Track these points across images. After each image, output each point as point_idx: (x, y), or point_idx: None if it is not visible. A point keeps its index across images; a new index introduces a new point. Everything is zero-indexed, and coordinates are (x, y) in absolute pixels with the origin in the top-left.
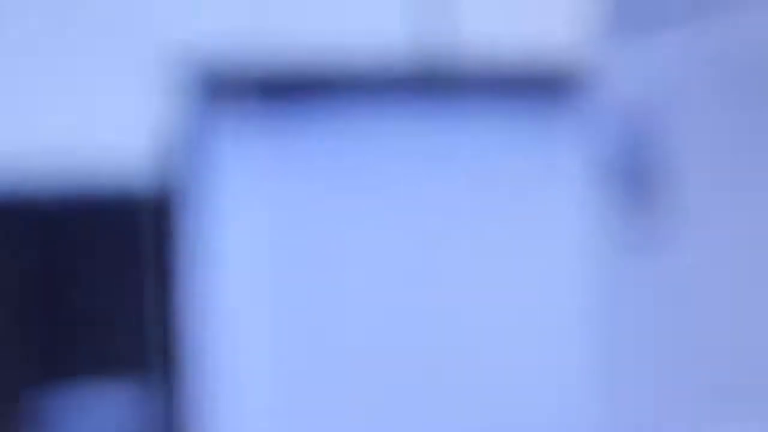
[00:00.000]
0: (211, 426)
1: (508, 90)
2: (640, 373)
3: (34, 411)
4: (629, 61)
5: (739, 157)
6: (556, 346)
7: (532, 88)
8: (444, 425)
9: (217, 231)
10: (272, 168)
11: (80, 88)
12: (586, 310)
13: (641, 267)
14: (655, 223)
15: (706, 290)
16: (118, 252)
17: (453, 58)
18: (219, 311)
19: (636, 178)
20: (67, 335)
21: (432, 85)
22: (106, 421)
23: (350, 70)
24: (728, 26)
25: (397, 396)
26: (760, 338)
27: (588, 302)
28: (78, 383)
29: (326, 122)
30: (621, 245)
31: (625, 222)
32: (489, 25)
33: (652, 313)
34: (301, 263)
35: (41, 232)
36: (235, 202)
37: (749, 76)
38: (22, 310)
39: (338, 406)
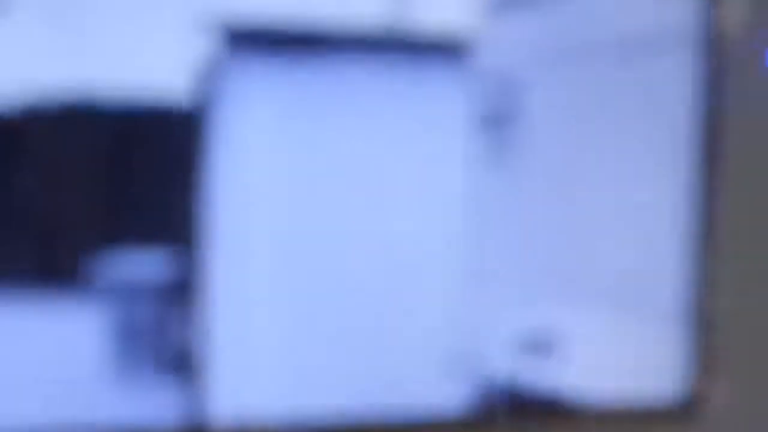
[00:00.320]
0: (224, 284)
1: (424, 54)
2: (503, 259)
3: (92, 270)
4: (502, 34)
5: (574, 107)
6: (445, 241)
7: (439, 54)
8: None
9: (235, 142)
10: (277, 100)
11: (131, 40)
12: (468, 211)
13: (504, 181)
14: (513, 151)
15: (545, 198)
16: (160, 153)
17: (398, 29)
18: (232, 203)
19: (502, 119)
20: (119, 213)
21: (385, 45)
22: (146, 280)
23: (336, 33)
24: (571, 7)
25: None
26: (582, 234)
27: (469, 206)
28: (125, 250)
29: (318, 70)
30: (490, 166)
31: (493, 149)
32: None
33: (510, 212)
34: (297, 168)
35: (106, 134)
36: (249, 125)
37: (586, 45)
38: (88, 192)
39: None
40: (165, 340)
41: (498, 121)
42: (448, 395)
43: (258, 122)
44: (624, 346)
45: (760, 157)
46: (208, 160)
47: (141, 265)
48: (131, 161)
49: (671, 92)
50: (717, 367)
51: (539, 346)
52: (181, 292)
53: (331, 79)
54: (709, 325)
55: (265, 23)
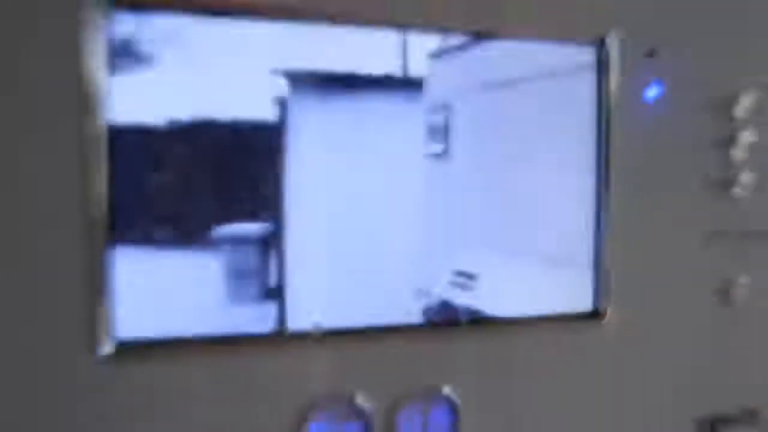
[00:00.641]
0: (295, 241)
1: (402, 89)
2: (449, 224)
3: (213, 235)
4: (441, 72)
5: (484, 117)
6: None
7: (403, 87)
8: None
9: (300, 149)
10: (325, 121)
11: (237, 80)
12: (426, 193)
13: (442, 170)
14: (447, 149)
15: (477, 184)
16: (255, 156)
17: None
18: (300, 189)
19: (441, 131)
20: (230, 196)
21: (383, 83)
22: (248, 239)
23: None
24: (488, 52)
25: None
26: (506, 209)
27: (419, 190)
28: (235, 220)
29: (350, 100)
30: (435, 159)
31: (435, 148)
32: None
33: (452, 192)
34: (337, 167)
35: (219, 143)
36: (308, 138)
37: (500, 78)
38: (209, 183)
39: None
40: (261, 277)
41: (441, 132)
42: (410, 313)
43: (313, 136)
44: (545, 283)
45: (639, 163)
46: (285, 161)
47: (245, 229)
48: (237, 162)
49: (575, 111)
50: (610, 294)
51: (469, 280)
52: (270, 246)
53: (359, 108)
54: (605, 268)
55: (313, 69)
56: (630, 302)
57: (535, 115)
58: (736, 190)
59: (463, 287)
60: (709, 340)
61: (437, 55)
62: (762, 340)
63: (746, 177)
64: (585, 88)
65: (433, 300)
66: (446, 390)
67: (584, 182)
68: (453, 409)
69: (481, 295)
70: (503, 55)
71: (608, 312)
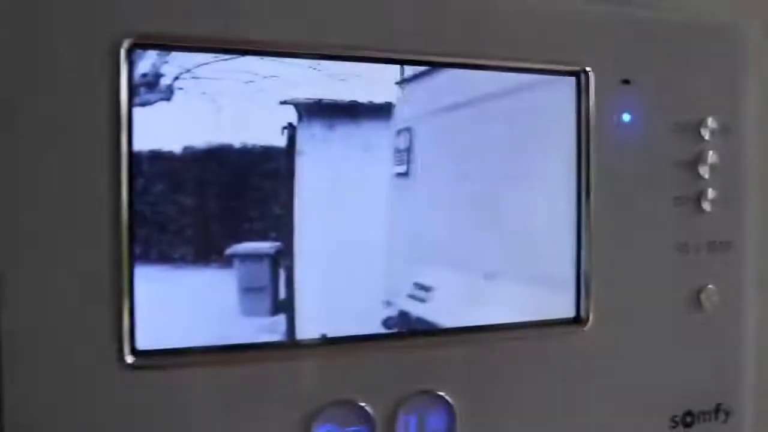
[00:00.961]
0: (303, 256)
1: (380, 114)
2: (413, 239)
3: (229, 252)
4: (406, 98)
5: (443, 144)
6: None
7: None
8: None
9: (307, 172)
10: (328, 145)
11: (249, 109)
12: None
13: (408, 188)
14: (413, 168)
15: (439, 198)
16: (268, 179)
17: None
18: (307, 210)
19: (406, 151)
20: (244, 216)
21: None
22: (261, 255)
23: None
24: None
25: None
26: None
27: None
28: (249, 238)
29: (348, 125)
30: (399, 179)
31: (400, 169)
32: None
33: (415, 207)
34: (337, 186)
35: (235, 168)
36: (314, 162)
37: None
38: (226, 204)
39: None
40: (273, 290)
41: (405, 151)
42: (376, 322)
43: (319, 159)
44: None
45: (615, 180)
46: (294, 184)
47: (258, 247)
48: (252, 184)
49: (533, 124)
50: (590, 303)
51: (426, 292)
52: (280, 262)
53: (354, 131)
54: (587, 276)
55: (317, 100)
56: (609, 309)
57: (492, 133)
58: (704, 205)
59: (419, 299)
60: (683, 343)
61: (405, 81)
62: (730, 342)
63: (712, 193)
64: (542, 102)
65: (394, 311)
66: (442, 394)
67: (547, 193)
68: (449, 412)
69: (435, 307)
70: (458, 78)
71: (590, 318)
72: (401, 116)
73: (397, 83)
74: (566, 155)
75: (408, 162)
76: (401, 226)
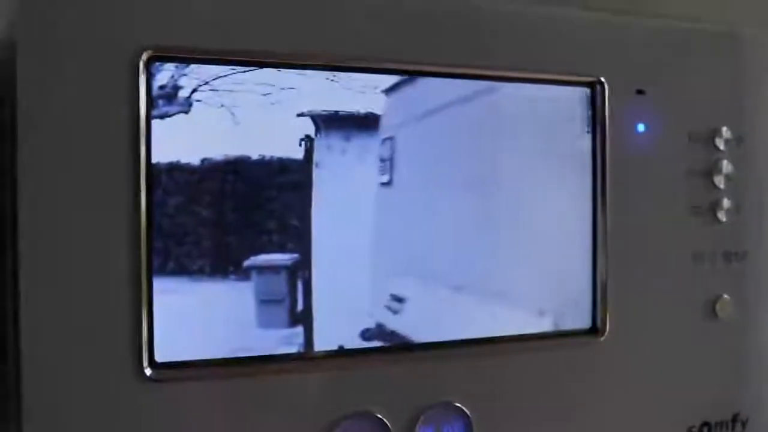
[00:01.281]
0: (320, 268)
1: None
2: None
3: (247, 263)
4: (390, 106)
5: (419, 150)
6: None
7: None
8: None
9: (324, 182)
10: (342, 153)
11: (267, 122)
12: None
13: (390, 195)
14: (391, 178)
15: (419, 204)
16: (286, 190)
17: None
18: (325, 221)
19: (388, 159)
20: (262, 227)
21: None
22: (278, 267)
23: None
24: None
25: None
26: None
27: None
28: (266, 250)
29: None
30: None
31: (383, 177)
32: None
33: (395, 214)
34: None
35: (254, 180)
36: (330, 171)
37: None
38: (244, 215)
39: None
40: (290, 302)
41: (388, 159)
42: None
43: (335, 171)
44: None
45: (631, 190)
46: (312, 195)
47: (276, 258)
48: (269, 196)
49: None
50: (606, 313)
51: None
52: (298, 274)
53: (369, 143)
54: (603, 285)
55: (334, 111)
56: (625, 319)
57: (466, 137)
58: (719, 215)
59: (393, 311)
60: (699, 354)
61: (390, 90)
62: (746, 352)
63: (727, 203)
64: (515, 103)
65: (371, 322)
66: (459, 406)
67: (535, 197)
68: (467, 423)
69: (408, 319)
70: (435, 83)
71: (607, 328)
72: (387, 125)
73: (383, 91)
74: (573, 162)
75: (390, 171)
76: (389, 236)
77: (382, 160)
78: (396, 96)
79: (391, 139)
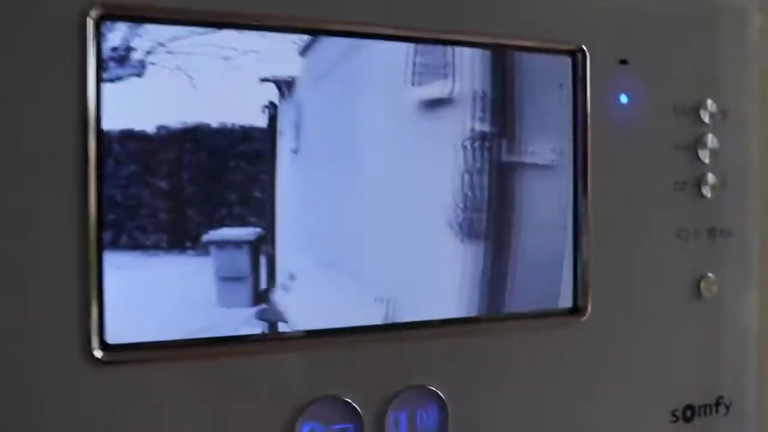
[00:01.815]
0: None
1: None
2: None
3: (206, 238)
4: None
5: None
6: None
7: None
8: None
9: (287, 150)
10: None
11: (228, 89)
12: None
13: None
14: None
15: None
16: (248, 158)
17: None
18: (289, 193)
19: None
20: (223, 198)
21: None
22: (239, 242)
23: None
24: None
25: None
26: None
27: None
28: (227, 223)
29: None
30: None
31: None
32: None
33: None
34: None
35: (213, 148)
36: (293, 140)
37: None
38: (202, 187)
39: None
40: (253, 280)
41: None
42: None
43: (297, 136)
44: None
45: (613, 165)
46: (276, 166)
47: (237, 233)
48: (230, 167)
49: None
50: (588, 292)
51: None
52: (260, 250)
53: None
54: (584, 265)
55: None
56: (607, 298)
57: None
58: (704, 190)
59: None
60: (682, 334)
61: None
62: (730, 332)
63: (712, 178)
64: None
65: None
66: (433, 389)
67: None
68: (441, 407)
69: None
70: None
71: (588, 308)
72: (299, 89)
73: (299, 53)
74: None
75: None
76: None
77: (295, 127)
78: (308, 57)
79: (298, 104)
